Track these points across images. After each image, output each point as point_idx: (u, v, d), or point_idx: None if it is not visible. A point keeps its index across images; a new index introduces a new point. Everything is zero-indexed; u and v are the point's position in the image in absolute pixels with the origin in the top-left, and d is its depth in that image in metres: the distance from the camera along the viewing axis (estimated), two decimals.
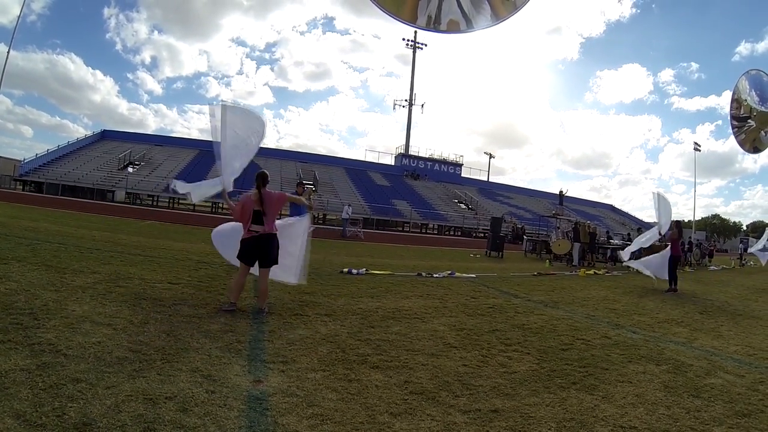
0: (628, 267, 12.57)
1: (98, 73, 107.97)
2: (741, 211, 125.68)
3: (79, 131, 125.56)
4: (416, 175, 47.81)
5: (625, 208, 56.56)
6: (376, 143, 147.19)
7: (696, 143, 47.98)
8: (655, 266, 9.79)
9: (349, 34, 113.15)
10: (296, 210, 6.71)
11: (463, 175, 52.26)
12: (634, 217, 56.79)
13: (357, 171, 45.05)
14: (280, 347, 3.41)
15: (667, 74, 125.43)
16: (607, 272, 13.00)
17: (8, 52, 27.54)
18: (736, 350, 4.64)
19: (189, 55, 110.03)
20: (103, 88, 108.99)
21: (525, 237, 23.45)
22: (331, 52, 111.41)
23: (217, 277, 6.01)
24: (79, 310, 3.66)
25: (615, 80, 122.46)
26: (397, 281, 7.56)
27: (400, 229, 34.04)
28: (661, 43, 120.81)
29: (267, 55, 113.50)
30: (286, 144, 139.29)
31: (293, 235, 4.99)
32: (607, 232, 23.94)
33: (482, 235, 31.28)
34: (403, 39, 53.42)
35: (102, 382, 2.38)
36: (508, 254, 17.85)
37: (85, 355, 2.74)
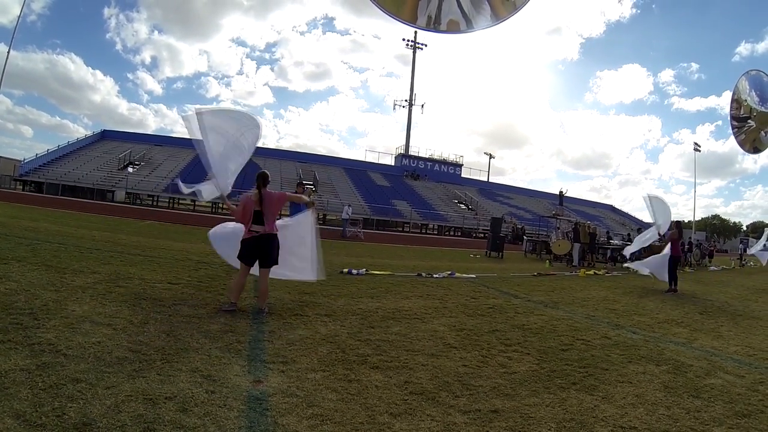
0: (628, 268, 12.59)
1: (98, 73, 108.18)
2: (741, 212, 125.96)
3: (79, 131, 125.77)
4: (416, 176, 47.81)
5: (625, 209, 56.60)
6: (376, 143, 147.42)
7: (696, 144, 48.07)
8: (655, 266, 9.80)
9: (350, 34, 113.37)
10: (296, 209, 6.71)
11: (463, 175, 52.26)
12: (634, 218, 56.75)
13: (357, 171, 45.05)
14: (280, 347, 3.40)
15: (667, 74, 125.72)
16: (607, 273, 13.00)
17: (8, 52, 27.60)
18: (736, 350, 4.64)
19: (189, 55, 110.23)
20: (103, 88, 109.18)
21: (525, 237, 23.44)
22: (331, 53, 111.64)
23: (217, 277, 6.01)
24: (79, 310, 3.66)
25: (615, 80, 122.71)
26: (397, 281, 7.56)
27: (400, 229, 34.04)
28: (661, 43, 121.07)
29: (267, 55, 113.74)
30: (286, 144, 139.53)
31: (300, 234, 4.95)
32: (607, 232, 23.95)
33: (482, 235, 31.27)
34: (403, 39, 53.47)
35: (102, 382, 2.38)
36: (508, 255, 17.86)
37: (84, 355, 2.74)
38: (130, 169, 32.82)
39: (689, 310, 7.09)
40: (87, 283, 4.68)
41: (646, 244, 11.36)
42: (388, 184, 43.28)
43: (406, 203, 37.75)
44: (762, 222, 74.64)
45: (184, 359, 2.90)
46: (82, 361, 2.63)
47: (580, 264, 14.81)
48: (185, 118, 4.65)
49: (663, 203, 10.77)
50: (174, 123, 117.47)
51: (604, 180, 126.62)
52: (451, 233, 35.88)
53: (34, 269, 4.99)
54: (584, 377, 3.36)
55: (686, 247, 18.32)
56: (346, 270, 8.02)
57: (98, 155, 34.98)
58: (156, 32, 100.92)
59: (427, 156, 51.19)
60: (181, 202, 31.76)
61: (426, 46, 52.10)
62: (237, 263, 4.58)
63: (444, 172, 50.95)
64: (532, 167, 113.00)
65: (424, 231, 34.99)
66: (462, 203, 43.24)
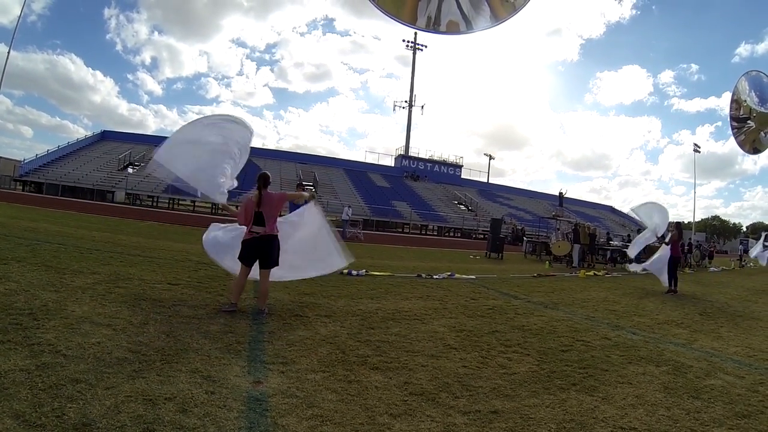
0: (629, 269, 12.60)
1: (98, 73, 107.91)
2: (741, 213, 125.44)
3: (79, 132, 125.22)
4: (416, 177, 47.80)
5: (625, 210, 56.40)
6: (376, 144, 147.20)
7: (696, 145, 47.89)
8: (656, 268, 9.83)
9: (350, 35, 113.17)
10: (295, 209, 6.70)
11: (462, 176, 52.23)
12: (634, 219, 56.81)
13: (357, 172, 45.04)
14: (279, 348, 3.40)
15: (667, 75, 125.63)
16: (607, 273, 13.00)
17: (8, 53, 27.51)
18: (735, 351, 4.64)
19: (189, 55, 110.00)
20: (103, 88, 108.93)
21: (525, 238, 23.43)
22: (331, 54, 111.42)
23: (217, 278, 6.01)
24: (78, 310, 3.66)
25: (615, 82, 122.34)
26: (397, 282, 7.56)
27: (400, 230, 34.03)
28: (660, 44, 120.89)
29: (267, 56, 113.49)
30: (285, 145, 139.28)
31: (314, 230, 4.98)
32: (607, 233, 23.98)
33: (482, 236, 31.27)
34: (403, 40, 53.42)
35: (101, 383, 2.38)
36: (508, 256, 17.86)
37: (84, 355, 2.74)
38: (129, 170, 32.81)
39: (689, 311, 7.09)
40: (87, 283, 4.68)
41: (646, 245, 11.37)
42: (388, 185, 43.29)
43: (405, 204, 37.74)
44: (762, 223, 74.77)
45: (184, 360, 2.89)
46: (82, 362, 2.63)
47: (579, 265, 14.82)
48: (152, 171, 4.78)
49: (651, 206, 10.82)
50: (174, 124, 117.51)
51: (604, 181, 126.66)
52: (451, 234, 35.87)
53: (34, 270, 4.99)
54: (584, 378, 3.36)
55: (686, 248, 18.32)
56: (345, 271, 8.00)
57: (98, 156, 34.98)
58: (156, 33, 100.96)
59: (427, 157, 51.19)
60: (180, 202, 31.75)
61: (426, 47, 52.12)
62: (235, 270, 4.58)
63: (444, 173, 50.95)
64: (531, 168, 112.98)
65: (423, 232, 34.97)
66: (462, 204, 43.23)
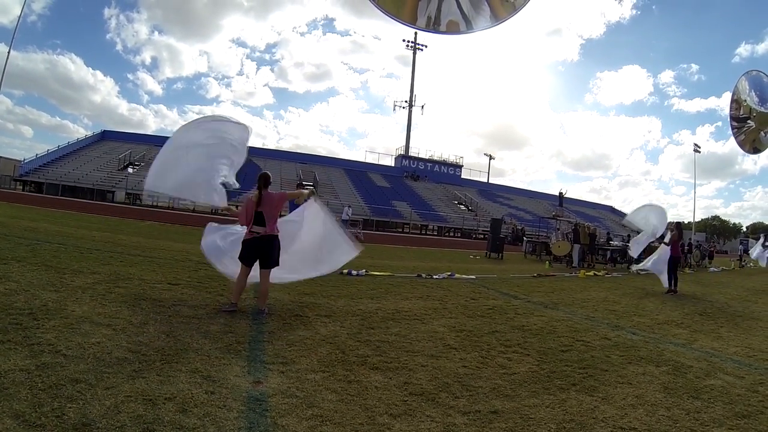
0: (630, 270, 12.61)
1: (98, 73, 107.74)
2: (741, 213, 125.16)
3: (80, 131, 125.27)
4: (416, 177, 47.80)
5: (625, 210, 56.28)
6: (376, 144, 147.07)
7: (696, 145, 47.90)
8: (656, 267, 9.83)
9: (350, 35, 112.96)
10: (296, 208, 6.70)
11: (463, 176, 52.22)
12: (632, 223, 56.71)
13: (357, 172, 45.04)
14: (279, 348, 3.40)
15: (667, 76, 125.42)
16: (607, 274, 13.00)
17: (8, 52, 27.52)
18: (735, 351, 4.64)
19: (189, 55, 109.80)
20: (103, 88, 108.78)
21: (525, 238, 23.43)
22: (332, 53, 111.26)
23: (217, 278, 6.00)
24: (78, 310, 3.66)
25: (615, 82, 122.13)
26: (397, 282, 7.56)
27: (400, 230, 34.01)
28: (661, 44, 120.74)
29: (267, 56, 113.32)
30: (286, 145, 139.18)
31: (318, 226, 4.98)
32: (607, 233, 23.93)
33: (482, 236, 31.26)
34: (404, 40, 53.35)
35: (101, 383, 2.38)
36: (508, 255, 17.86)
37: (84, 355, 2.74)
38: (130, 170, 32.81)
39: (689, 311, 7.09)
40: (87, 283, 4.68)
41: (645, 244, 11.39)
42: (388, 185, 43.28)
43: (405, 204, 37.74)
44: (762, 223, 74.78)
45: (184, 360, 2.89)
46: (82, 362, 2.63)
47: (579, 265, 14.82)
48: (147, 198, 4.89)
49: (647, 210, 10.86)
50: (174, 124, 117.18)
51: (604, 181, 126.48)
52: (451, 234, 35.86)
53: (34, 269, 4.99)
54: (584, 378, 3.36)
55: (686, 248, 18.33)
56: (345, 271, 8.00)
57: (98, 156, 34.98)
58: (156, 33, 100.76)
59: (427, 157, 51.18)
60: (180, 202, 31.74)
61: (426, 47, 52.08)
62: (234, 274, 4.57)
63: (444, 173, 50.94)
64: (532, 168, 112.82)
65: (423, 232, 34.96)
66: (462, 204, 43.23)
